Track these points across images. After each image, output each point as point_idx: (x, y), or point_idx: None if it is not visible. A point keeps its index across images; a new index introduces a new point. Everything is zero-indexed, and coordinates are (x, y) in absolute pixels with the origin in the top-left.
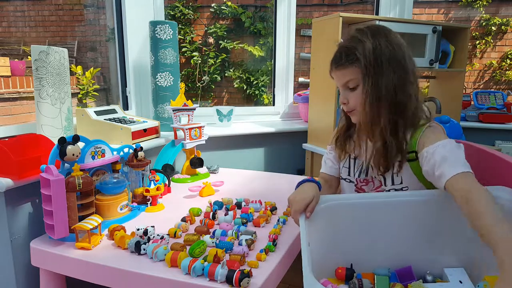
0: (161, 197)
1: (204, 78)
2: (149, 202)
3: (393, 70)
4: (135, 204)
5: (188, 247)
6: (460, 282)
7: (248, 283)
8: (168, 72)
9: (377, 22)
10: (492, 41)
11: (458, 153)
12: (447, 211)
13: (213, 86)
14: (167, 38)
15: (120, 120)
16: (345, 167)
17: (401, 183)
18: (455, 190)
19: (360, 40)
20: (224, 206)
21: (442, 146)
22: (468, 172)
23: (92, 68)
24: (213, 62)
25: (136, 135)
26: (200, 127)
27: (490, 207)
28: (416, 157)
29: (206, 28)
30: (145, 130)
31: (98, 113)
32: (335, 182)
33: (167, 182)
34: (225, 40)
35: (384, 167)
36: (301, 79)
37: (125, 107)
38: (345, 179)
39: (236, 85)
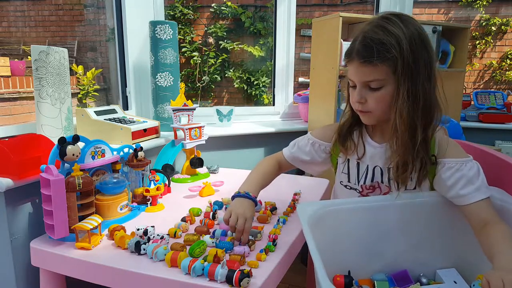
0: (161, 197)
1: (204, 78)
2: (149, 202)
3: (428, 68)
4: (135, 204)
5: (188, 247)
6: (455, 282)
7: (248, 283)
8: (168, 72)
9: None
10: (492, 41)
11: (482, 176)
12: (439, 213)
13: (213, 86)
14: (167, 38)
15: (120, 120)
16: (344, 172)
17: (415, 188)
18: (476, 215)
19: (393, 33)
20: (224, 206)
21: (468, 168)
22: (489, 199)
23: (93, 69)
24: (213, 62)
25: (136, 135)
26: (200, 127)
27: (505, 246)
28: (436, 161)
29: (206, 28)
30: (145, 130)
31: (98, 113)
32: (285, 168)
33: (167, 182)
34: (225, 40)
35: (405, 181)
36: (301, 79)
37: (125, 107)
38: (345, 186)
39: (236, 85)
